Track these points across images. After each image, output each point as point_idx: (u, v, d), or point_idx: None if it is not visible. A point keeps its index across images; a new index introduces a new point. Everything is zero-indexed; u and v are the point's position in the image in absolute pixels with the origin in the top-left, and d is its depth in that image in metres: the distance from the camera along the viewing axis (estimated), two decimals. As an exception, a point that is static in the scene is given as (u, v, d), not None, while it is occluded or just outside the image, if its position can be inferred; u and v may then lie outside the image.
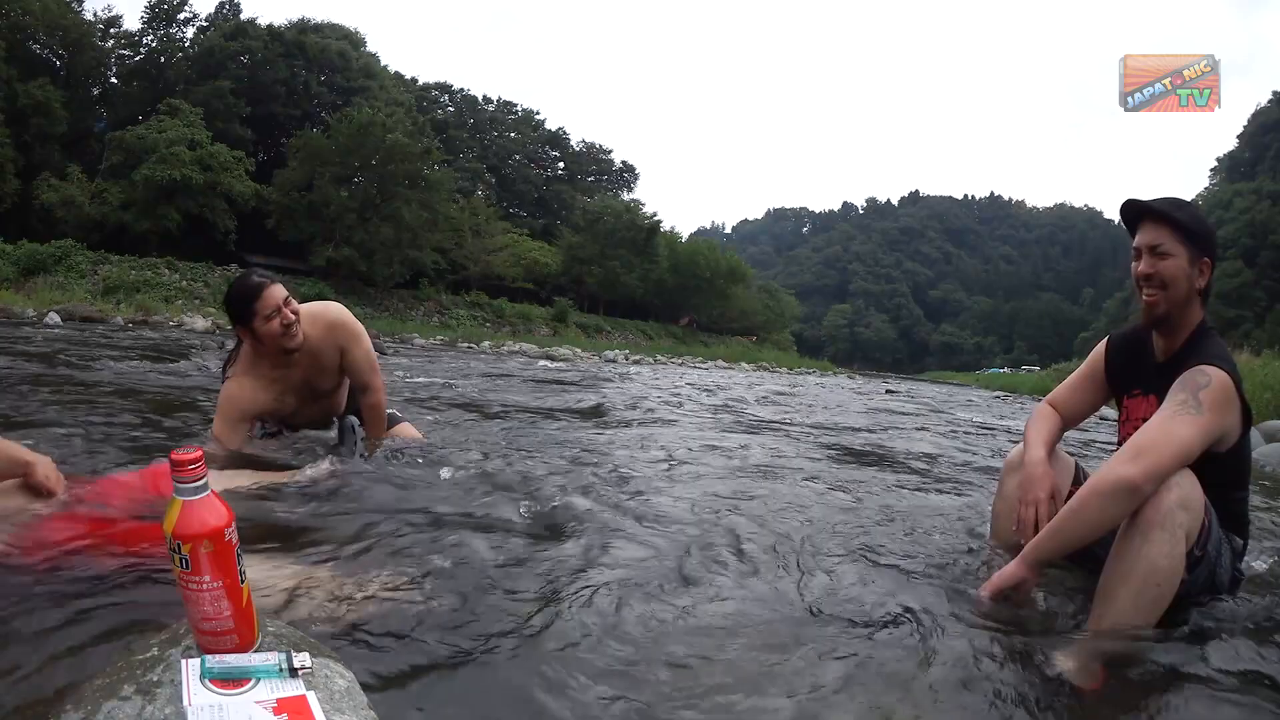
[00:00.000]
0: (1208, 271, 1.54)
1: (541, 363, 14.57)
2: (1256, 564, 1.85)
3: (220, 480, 1.90)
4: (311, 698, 0.78)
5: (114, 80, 34.29)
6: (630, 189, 55.16)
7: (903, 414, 7.69)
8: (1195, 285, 1.54)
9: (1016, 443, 1.91)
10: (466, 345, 21.42)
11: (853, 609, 1.49)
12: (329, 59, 37.90)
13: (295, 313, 2.28)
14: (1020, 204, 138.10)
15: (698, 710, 1.09)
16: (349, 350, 2.45)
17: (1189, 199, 1.63)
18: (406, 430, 2.72)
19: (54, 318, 13.41)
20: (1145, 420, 1.48)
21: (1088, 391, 1.80)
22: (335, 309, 2.49)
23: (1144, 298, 1.56)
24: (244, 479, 1.96)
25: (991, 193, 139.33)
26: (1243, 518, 1.58)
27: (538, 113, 53.23)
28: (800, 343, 68.67)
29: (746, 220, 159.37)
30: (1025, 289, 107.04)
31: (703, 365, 24.75)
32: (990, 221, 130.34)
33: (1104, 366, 1.76)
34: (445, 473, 2.38)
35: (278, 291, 2.25)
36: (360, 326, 2.51)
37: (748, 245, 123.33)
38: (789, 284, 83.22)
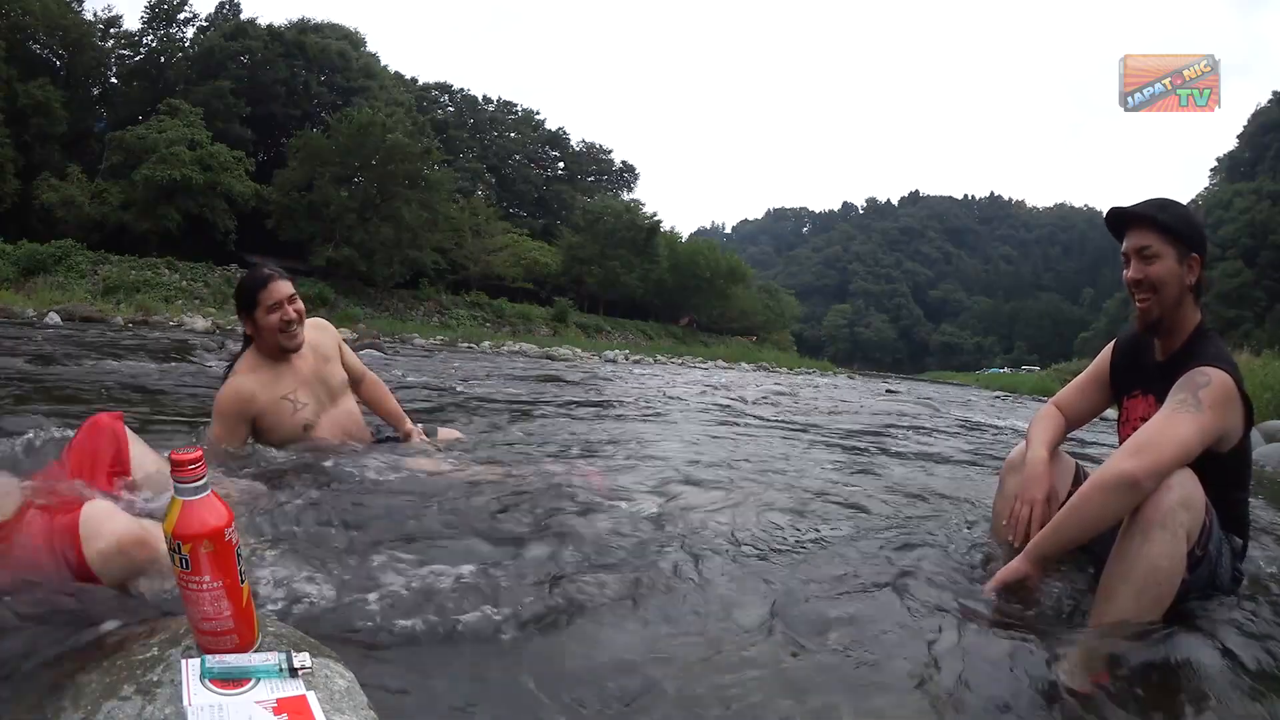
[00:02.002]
0: (1197, 268, 1.54)
1: (544, 362, 14.57)
2: (1256, 564, 1.85)
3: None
4: (311, 698, 0.78)
5: (114, 80, 34.27)
6: (630, 189, 55.20)
7: (903, 413, 7.69)
8: (1186, 283, 1.54)
9: (1017, 442, 1.91)
10: (466, 345, 21.41)
11: (852, 607, 1.49)
12: (329, 59, 37.90)
13: (299, 313, 2.30)
14: (1020, 204, 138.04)
15: (698, 711, 1.09)
16: (342, 344, 2.58)
17: (1182, 199, 1.64)
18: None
19: (54, 318, 13.42)
20: (1144, 420, 1.48)
21: (1093, 393, 1.80)
22: (316, 319, 2.57)
23: (1137, 303, 1.57)
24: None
25: (991, 193, 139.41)
26: (1243, 518, 1.58)
27: (538, 113, 53.30)
28: (800, 343, 68.61)
29: (746, 220, 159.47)
30: (1025, 289, 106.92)
31: (703, 365, 24.74)
32: (990, 221, 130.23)
33: (1109, 367, 1.77)
34: (450, 473, 2.38)
35: (284, 287, 2.28)
36: None
37: (748, 245, 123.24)
38: (789, 284, 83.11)
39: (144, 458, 1.62)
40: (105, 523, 1.18)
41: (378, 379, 2.67)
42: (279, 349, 2.30)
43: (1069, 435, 1.83)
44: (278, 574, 1.39)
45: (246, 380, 2.28)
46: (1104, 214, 1.63)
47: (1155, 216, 1.53)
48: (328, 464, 2.22)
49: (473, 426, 3.72)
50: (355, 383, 2.61)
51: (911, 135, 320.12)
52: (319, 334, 2.46)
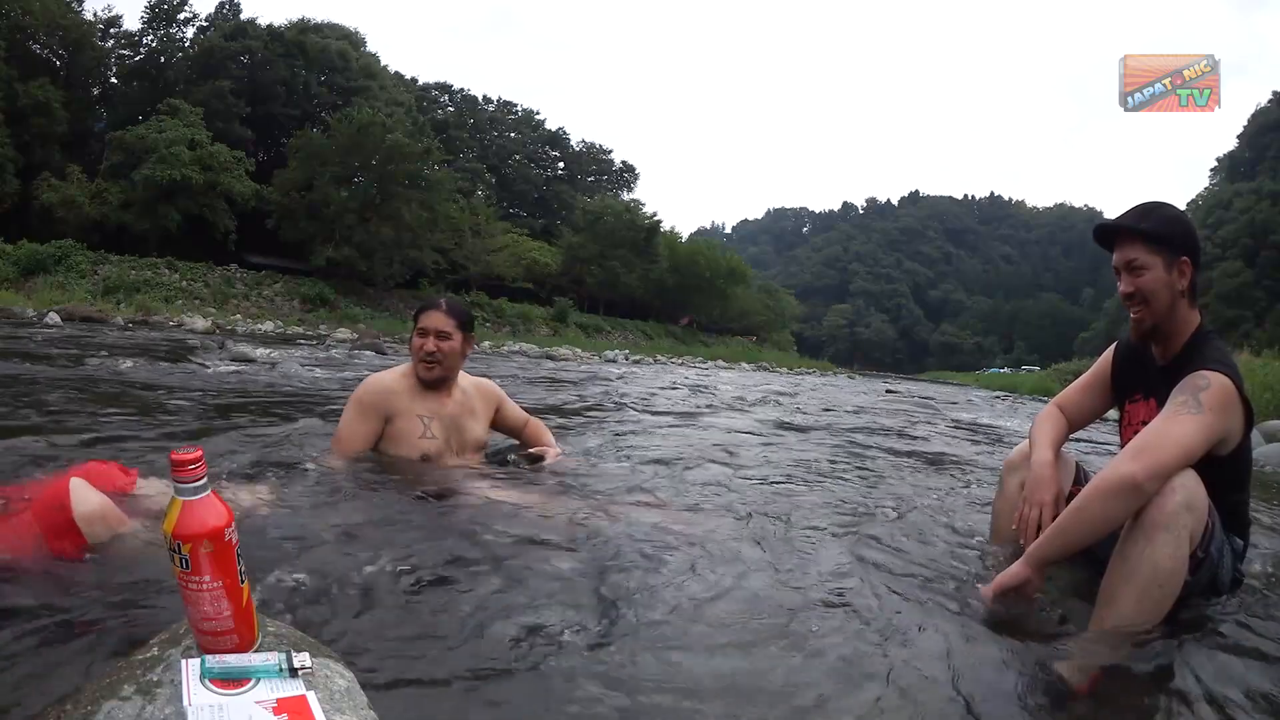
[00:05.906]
0: (1189, 271, 1.53)
1: (545, 362, 14.57)
2: (1256, 565, 1.85)
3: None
4: (311, 698, 0.78)
5: (114, 80, 34.25)
6: (630, 189, 55.16)
7: (903, 413, 7.69)
8: (1178, 289, 1.53)
9: (1017, 442, 1.91)
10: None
11: (852, 608, 1.49)
12: (329, 59, 37.86)
13: (440, 349, 2.30)
14: (1020, 204, 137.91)
15: (695, 714, 1.09)
16: (503, 405, 2.62)
17: (1182, 199, 1.64)
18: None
19: (54, 318, 13.42)
20: (1145, 424, 1.48)
21: (1095, 394, 1.80)
22: (483, 380, 2.64)
23: (1131, 315, 1.58)
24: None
25: (991, 193, 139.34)
26: (1243, 519, 1.58)
27: (538, 113, 53.30)
28: (800, 343, 68.57)
29: (746, 220, 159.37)
30: (1025, 289, 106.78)
31: (703, 365, 24.74)
32: (990, 221, 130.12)
33: (1110, 370, 1.77)
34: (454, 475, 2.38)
35: (437, 319, 2.31)
36: None
37: (748, 245, 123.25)
38: (789, 284, 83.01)
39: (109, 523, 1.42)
40: (90, 492, 1.41)
41: (539, 422, 2.74)
42: (416, 373, 2.33)
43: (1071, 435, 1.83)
44: (279, 574, 1.39)
45: (394, 377, 2.33)
46: (1105, 213, 1.66)
47: (1137, 227, 1.53)
48: (367, 475, 2.18)
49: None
50: (518, 429, 2.67)
51: (911, 135, 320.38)
52: (475, 390, 2.51)
